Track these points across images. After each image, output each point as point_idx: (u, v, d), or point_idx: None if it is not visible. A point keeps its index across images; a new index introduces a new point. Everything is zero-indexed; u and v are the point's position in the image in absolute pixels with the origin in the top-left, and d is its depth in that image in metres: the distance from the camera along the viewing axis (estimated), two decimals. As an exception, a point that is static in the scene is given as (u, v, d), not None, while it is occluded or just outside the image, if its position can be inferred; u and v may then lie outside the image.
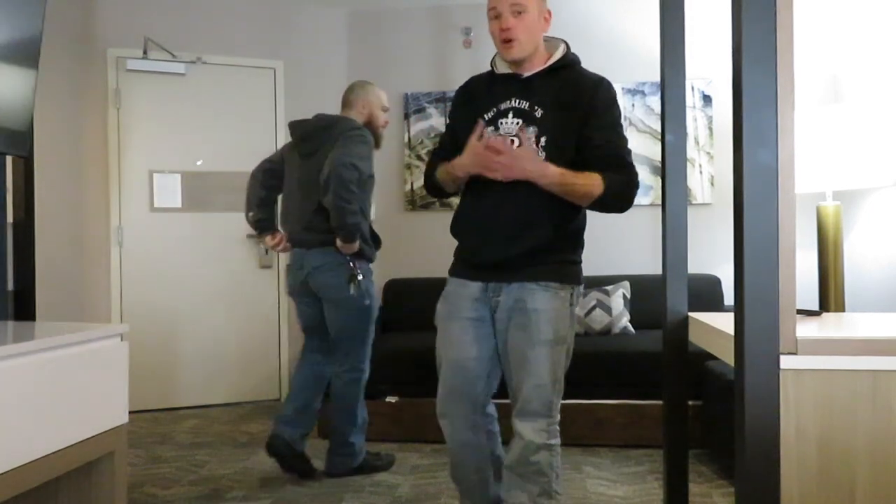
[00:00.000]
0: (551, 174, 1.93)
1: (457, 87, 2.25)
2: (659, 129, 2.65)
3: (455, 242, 2.17)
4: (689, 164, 4.26)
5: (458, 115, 2.18)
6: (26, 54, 2.48)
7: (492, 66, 2.16)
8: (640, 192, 4.63)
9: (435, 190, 2.20)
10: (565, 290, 2.02)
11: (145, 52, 4.35)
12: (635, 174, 2.01)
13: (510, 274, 2.02)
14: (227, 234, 4.51)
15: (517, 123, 2.01)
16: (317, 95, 4.53)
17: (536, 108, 2.01)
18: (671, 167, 2.04)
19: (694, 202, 4.35)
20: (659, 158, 4.40)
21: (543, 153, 1.98)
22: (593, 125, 1.99)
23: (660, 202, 2.23)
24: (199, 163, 4.49)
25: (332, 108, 3.23)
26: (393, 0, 4.63)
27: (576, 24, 4.55)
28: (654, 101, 4.42)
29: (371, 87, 3.17)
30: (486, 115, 2.05)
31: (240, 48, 4.56)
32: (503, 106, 2.05)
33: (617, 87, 4.47)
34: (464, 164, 2.01)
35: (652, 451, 3.36)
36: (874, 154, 3.22)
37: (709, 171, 4.39)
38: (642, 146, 4.45)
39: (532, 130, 2.00)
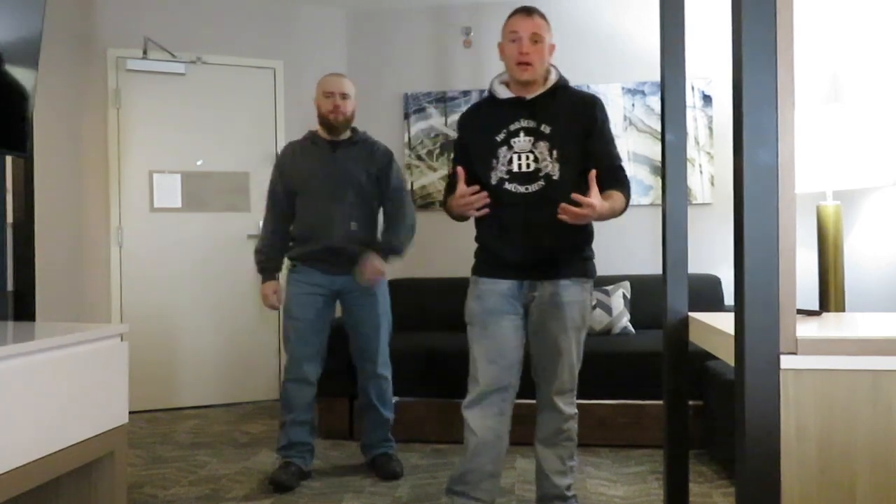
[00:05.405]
0: (606, 211, 2.14)
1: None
2: (659, 129, 2.66)
3: (472, 246, 2.41)
4: (689, 164, 4.27)
5: (467, 138, 2.38)
6: (26, 54, 2.48)
7: (491, 92, 2.37)
8: (640, 192, 4.67)
9: (457, 219, 2.38)
10: (588, 283, 2.36)
11: (145, 52, 4.35)
12: (628, 179, 2.31)
13: (544, 272, 2.29)
14: (227, 234, 4.52)
15: (529, 141, 2.25)
16: (317, 95, 4.55)
17: (543, 125, 2.25)
18: (671, 167, 2.03)
19: (694, 202, 4.35)
20: (659, 158, 4.42)
21: (557, 164, 2.23)
22: (595, 139, 2.27)
23: (660, 202, 2.27)
24: (199, 163, 4.49)
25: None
26: (393, 0, 4.63)
27: (576, 24, 4.56)
28: (654, 101, 4.42)
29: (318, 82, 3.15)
30: (497, 137, 2.28)
31: (240, 48, 4.56)
32: (513, 126, 2.28)
33: (617, 86, 4.53)
34: (455, 208, 2.23)
35: (652, 451, 3.36)
36: (874, 154, 3.22)
37: (709, 171, 4.39)
38: (642, 146, 4.45)
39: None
